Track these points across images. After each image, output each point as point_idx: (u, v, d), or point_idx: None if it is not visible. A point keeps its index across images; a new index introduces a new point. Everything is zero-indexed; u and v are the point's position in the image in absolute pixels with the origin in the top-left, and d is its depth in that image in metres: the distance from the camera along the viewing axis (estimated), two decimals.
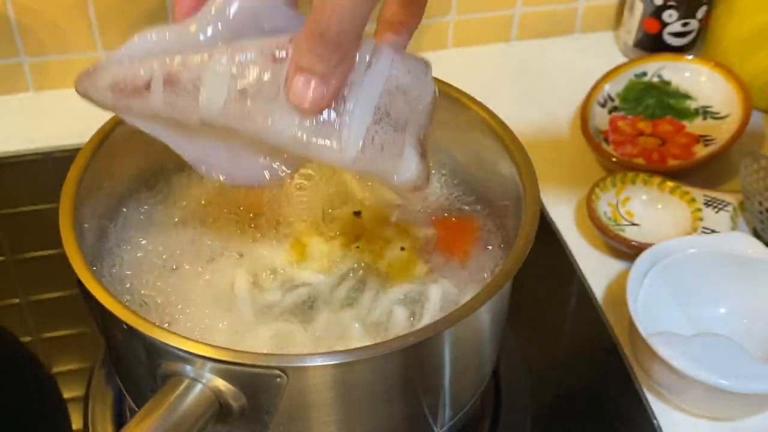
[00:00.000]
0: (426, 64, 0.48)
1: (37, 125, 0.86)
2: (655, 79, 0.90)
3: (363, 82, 0.44)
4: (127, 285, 0.58)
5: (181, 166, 0.65)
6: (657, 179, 0.79)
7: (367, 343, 0.52)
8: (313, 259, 0.60)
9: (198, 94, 0.45)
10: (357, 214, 0.62)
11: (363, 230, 0.61)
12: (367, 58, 0.45)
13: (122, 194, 0.62)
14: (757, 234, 0.73)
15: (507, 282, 0.52)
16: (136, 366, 0.51)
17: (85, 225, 0.55)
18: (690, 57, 0.90)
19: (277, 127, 0.44)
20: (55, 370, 0.65)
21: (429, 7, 0.49)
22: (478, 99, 0.61)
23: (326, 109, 0.44)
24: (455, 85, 0.63)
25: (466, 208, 0.64)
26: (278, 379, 0.46)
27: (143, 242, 0.61)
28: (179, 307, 0.57)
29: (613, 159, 0.82)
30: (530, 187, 0.56)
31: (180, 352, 0.47)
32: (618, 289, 0.74)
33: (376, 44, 0.45)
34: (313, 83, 0.42)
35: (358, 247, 0.60)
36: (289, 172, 0.49)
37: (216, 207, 0.63)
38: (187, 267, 0.59)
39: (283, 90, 0.44)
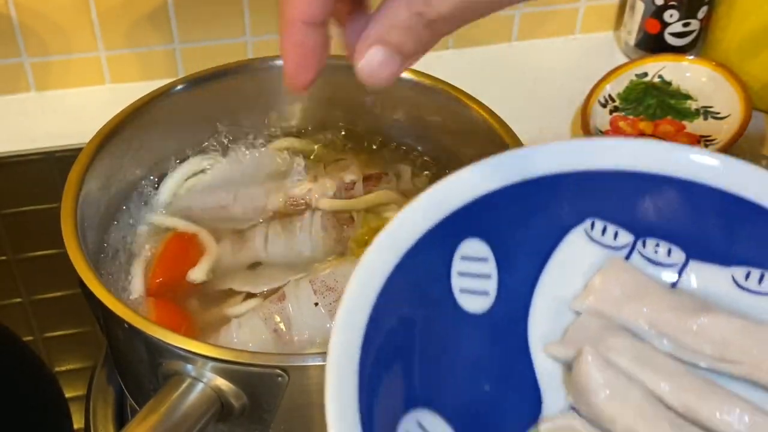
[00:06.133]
0: None
1: (39, 125, 0.86)
2: (656, 80, 0.90)
3: None
4: (129, 284, 0.58)
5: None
6: None
7: None
8: None
9: None
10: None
11: None
12: None
13: (124, 194, 0.62)
14: None
15: None
16: (138, 365, 0.51)
17: (87, 224, 0.55)
18: (691, 57, 0.90)
19: None
20: (56, 369, 0.65)
21: None
22: (478, 99, 0.62)
23: None
24: (455, 85, 0.63)
25: None
26: (279, 379, 0.46)
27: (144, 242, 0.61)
28: None
29: None
30: None
31: (181, 352, 0.47)
32: None
33: None
34: (395, 60, 0.37)
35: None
36: None
37: None
38: None
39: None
